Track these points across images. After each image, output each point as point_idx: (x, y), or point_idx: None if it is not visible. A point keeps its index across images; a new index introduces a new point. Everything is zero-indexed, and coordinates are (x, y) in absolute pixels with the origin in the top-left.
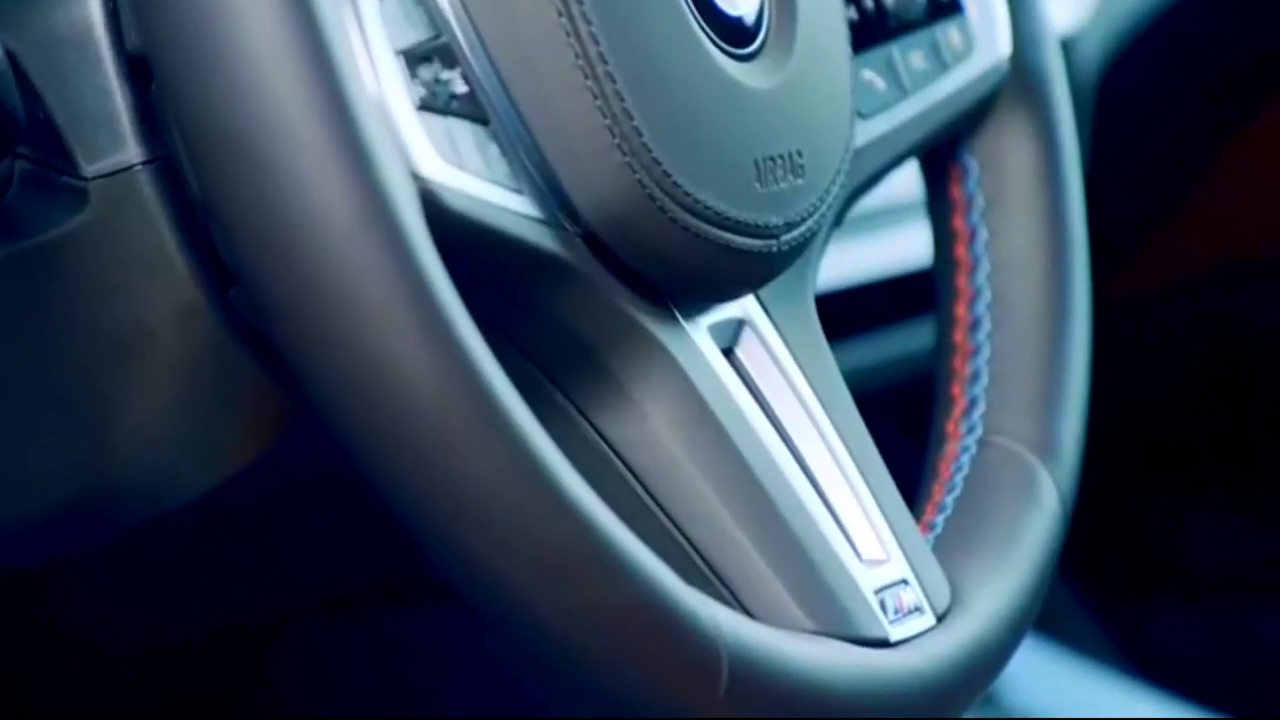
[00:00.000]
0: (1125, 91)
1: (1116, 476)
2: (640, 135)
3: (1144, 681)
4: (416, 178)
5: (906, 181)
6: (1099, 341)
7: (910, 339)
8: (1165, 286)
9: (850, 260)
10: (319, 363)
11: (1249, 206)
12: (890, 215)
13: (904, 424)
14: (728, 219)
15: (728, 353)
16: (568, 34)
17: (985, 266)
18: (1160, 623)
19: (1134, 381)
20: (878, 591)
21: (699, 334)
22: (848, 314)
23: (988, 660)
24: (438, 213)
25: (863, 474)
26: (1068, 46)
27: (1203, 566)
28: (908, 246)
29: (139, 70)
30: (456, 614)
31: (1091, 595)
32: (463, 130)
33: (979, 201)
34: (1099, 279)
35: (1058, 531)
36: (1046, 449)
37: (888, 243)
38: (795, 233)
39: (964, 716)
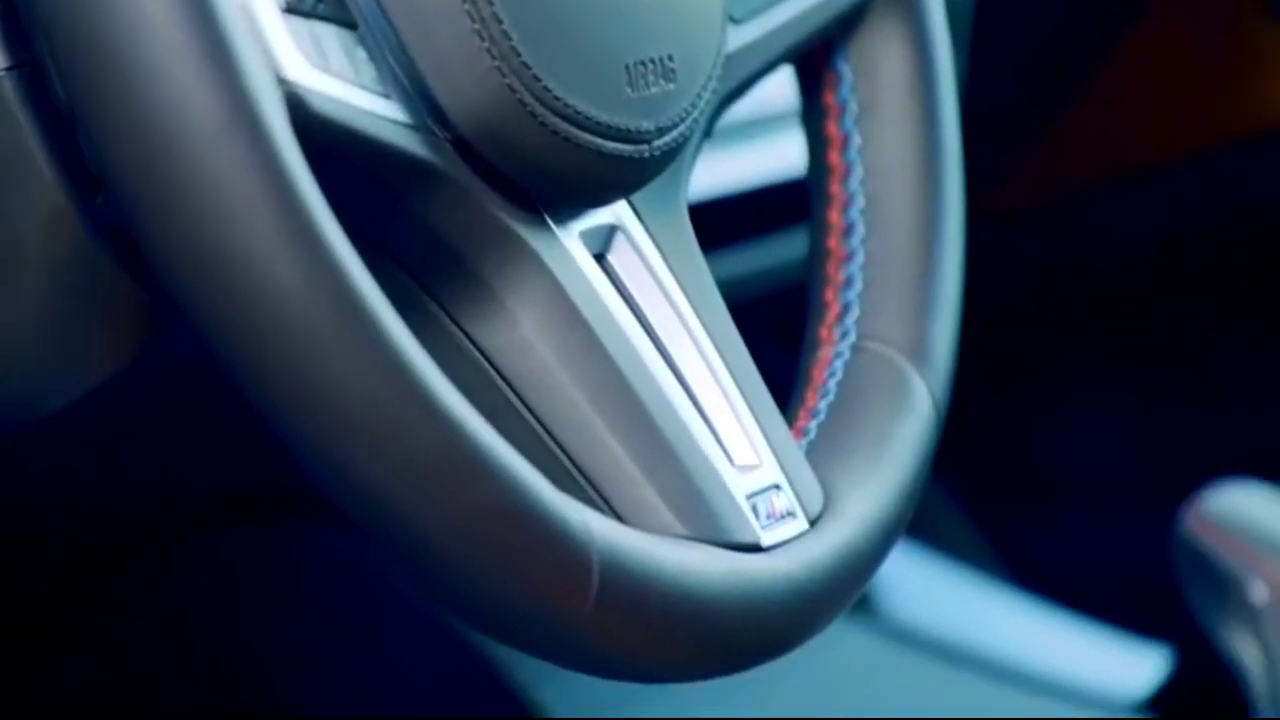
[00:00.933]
0: (1005, 3)
1: (994, 386)
2: (509, 39)
3: (1020, 588)
4: (282, 81)
5: (781, 90)
6: (978, 253)
7: (785, 248)
8: (1045, 199)
9: (725, 169)
10: (184, 267)
11: (1128, 120)
12: (765, 125)
13: (778, 331)
14: (598, 124)
15: (600, 258)
16: None
17: (858, 172)
18: (1036, 530)
19: (1013, 293)
20: (750, 496)
21: (571, 240)
22: (723, 223)
23: (860, 564)
24: (304, 117)
25: (735, 379)
26: None
27: (1078, 474)
28: (783, 156)
29: None
30: (339, 525)
31: (969, 504)
32: (329, 34)
33: (852, 107)
34: (980, 192)
35: (930, 436)
36: (919, 354)
37: (763, 152)
38: (667, 138)
39: (840, 621)
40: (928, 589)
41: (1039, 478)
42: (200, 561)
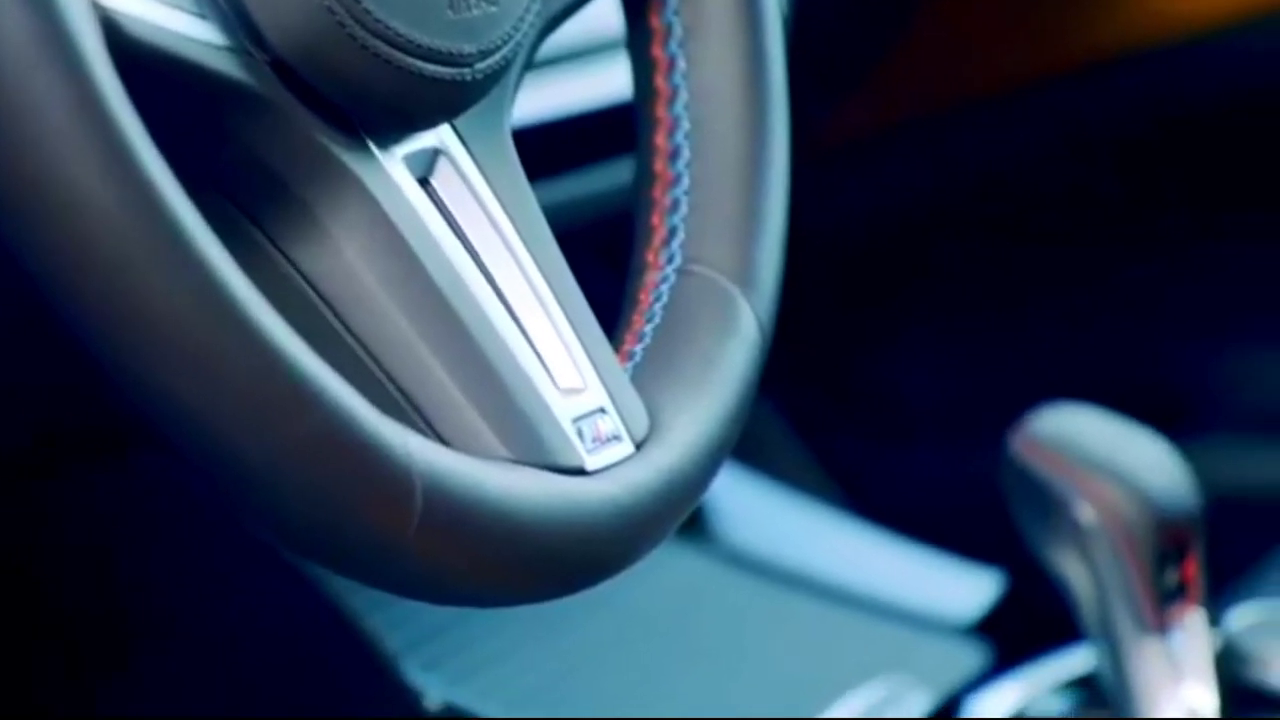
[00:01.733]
0: None
1: (830, 315)
2: None
3: (854, 513)
4: (96, 6)
5: (607, 18)
6: (808, 187)
7: (613, 174)
8: (874, 133)
9: (551, 96)
10: (1, 193)
11: (954, 54)
12: (592, 52)
13: (606, 256)
14: (419, 46)
15: (424, 183)
16: None
17: (683, 96)
18: (870, 456)
19: (852, 221)
20: (575, 420)
21: (393, 164)
22: (551, 149)
23: (685, 487)
24: (119, 41)
25: (560, 304)
26: None
27: (912, 401)
28: (609, 82)
29: None
30: (170, 455)
31: (805, 430)
32: None
33: (677, 30)
34: (808, 126)
35: (756, 359)
36: (744, 277)
37: (589, 78)
38: (489, 61)
39: (674, 545)
40: (762, 514)
41: (873, 404)
42: (57, 497)
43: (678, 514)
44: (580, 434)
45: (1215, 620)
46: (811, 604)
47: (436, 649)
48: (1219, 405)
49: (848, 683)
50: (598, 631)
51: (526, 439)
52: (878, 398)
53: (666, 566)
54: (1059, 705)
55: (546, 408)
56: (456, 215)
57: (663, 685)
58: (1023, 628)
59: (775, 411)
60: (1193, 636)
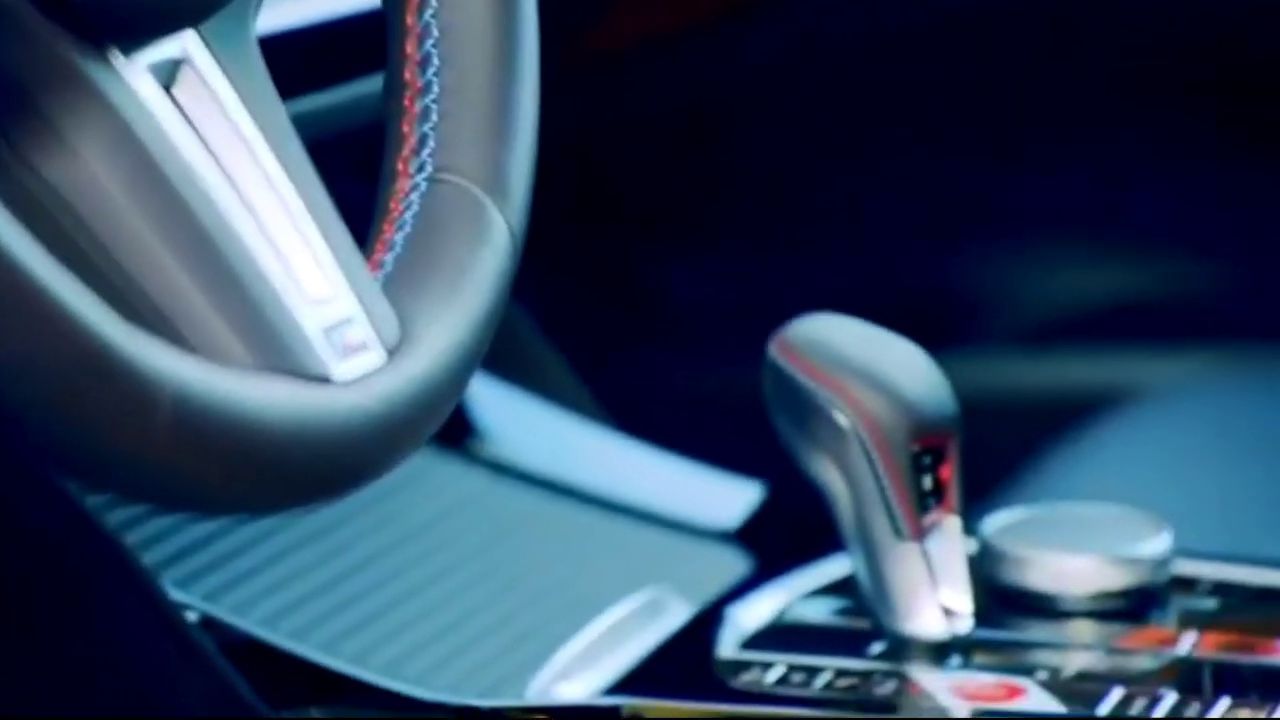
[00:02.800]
0: None
1: (591, 224)
2: None
3: (616, 424)
4: None
5: None
6: (586, 88)
7: (365, 84)
8: (649, 34)
9: (300, 5)
10: None
11: None
12: None
13: (359, 168)
14: None
15: (169, 92)
16: None
17: (432, 3)
18: (636, 366)
19: (619, 127)
20: (325, 330)
21: (136, 73)
22: (301, 59)
23: (437, 395)
24: None
25: (310, 213)
26: None
27: (678, 312)
28: None
29: None
30: None
31: (569, 343)
32: None
33: None
34: (587, 24)
35: (508, 267)
36: (495, 186)
37: None
38: None
39: (434, 456)
40: (524, 426)
41: (636, 314)
42: None
43: (430, 421)
44: (330, 343)
45: (971, 525)
46: (574, 515)
47: (196, 563)
48: (979, 316)
49: (611, 593)
50: (363, 545)
51: (274, 348)
52: (640, 307)
53: (429, 480)
54: (817, 610)
55: (294, 317)
56: (201, 124)
57: (428, 597)
58: (785, 536)
59: (535, 322)
60: (948, 541)
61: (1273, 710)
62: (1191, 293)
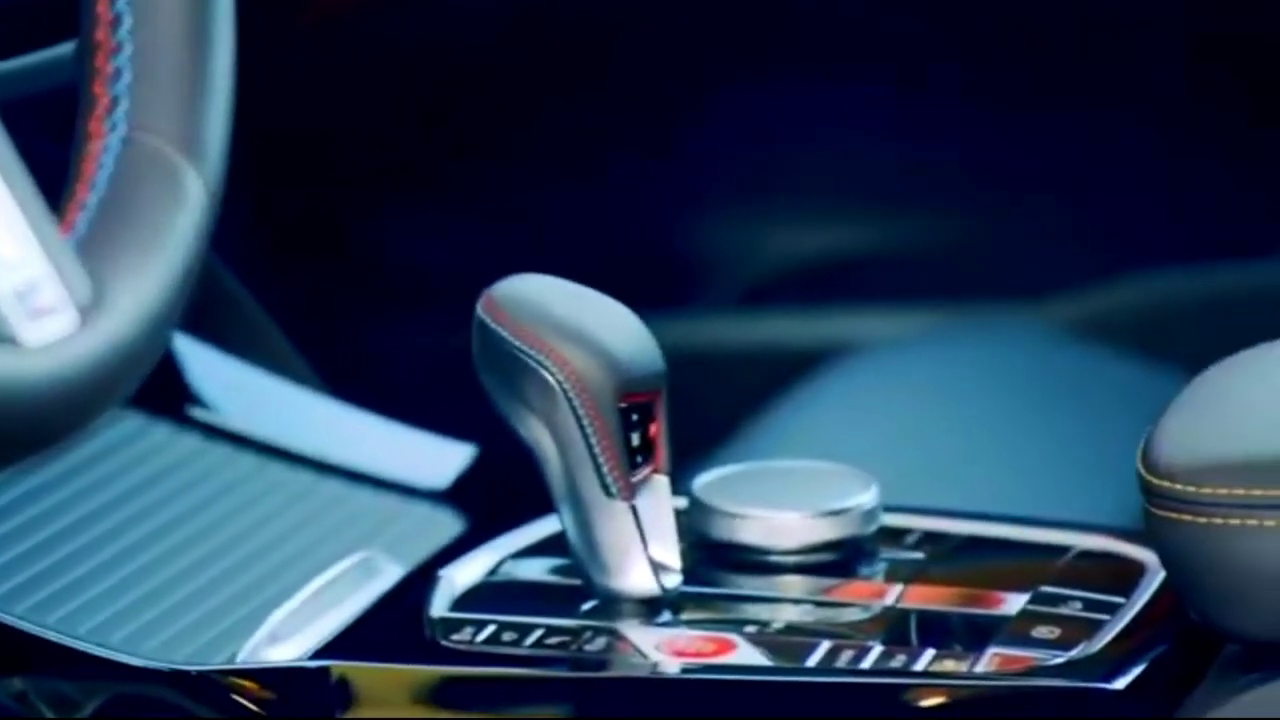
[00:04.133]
0: None
1: (306, 185)
2: None
3: (333, 388)
4: None
5: None
6: (297, 48)
7: (60, 51)
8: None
9: None
10: None
11: None
12: None
13: (53, 130)
14: None
15: None
16: None
17: None
18: (349, 330)
19: (333, 92)
20: (16, 293)
21: None
22: None
23: (130, 357)
24: None
25: None
26: None
27: (390, 276)
28: None
29: None
30: None
31: (280, 307)
32: None
33: None
34: None
35: (202, 228)
36: (190, 146)
37: None
38: None
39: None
40: (233, 388)
41: (349, 277)
42: None
43: (124, 382)
44: (22, 305)
45: (685, 484)
46: (286, 477)
47: None
48: (695, 277)
49: (324, 556)
50: (71, 510)
51: None
52: (353, 267)
53: (139, 445)
54: (529, 569)
55: None
56: None
57: (137, 563)
58: (496, 496)
59: (246, 285)
60: (657, 498)
61: (976, 660)
62: (905, 252)
